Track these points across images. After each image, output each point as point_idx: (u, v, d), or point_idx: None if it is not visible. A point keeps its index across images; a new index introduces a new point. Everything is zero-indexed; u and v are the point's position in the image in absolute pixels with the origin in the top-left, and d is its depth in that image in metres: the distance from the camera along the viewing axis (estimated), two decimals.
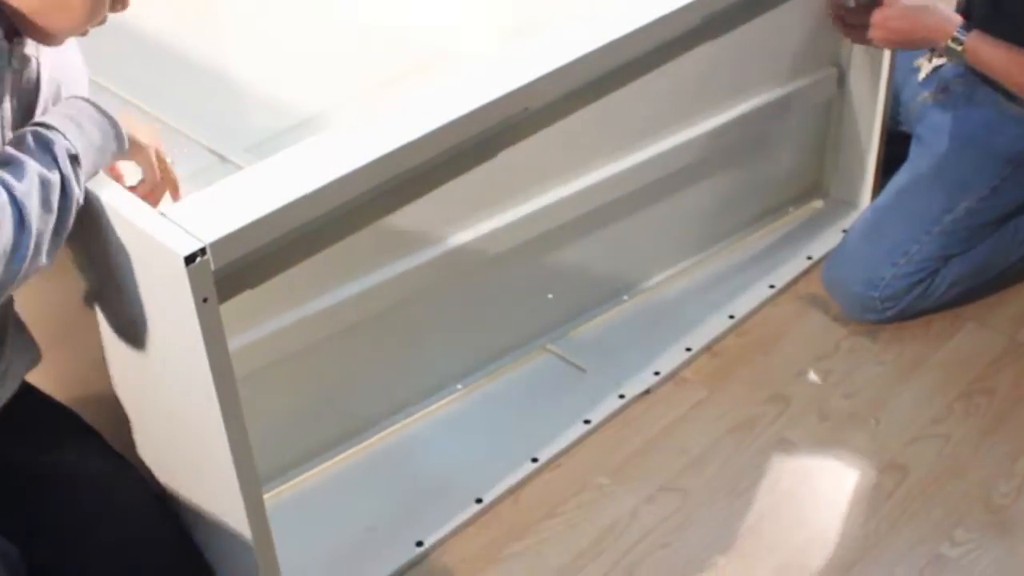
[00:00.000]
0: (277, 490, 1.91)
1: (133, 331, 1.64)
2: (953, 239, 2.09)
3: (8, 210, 1.27)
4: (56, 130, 1.37)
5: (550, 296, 2.13)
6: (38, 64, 1.48)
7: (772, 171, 2.37)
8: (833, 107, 2.36)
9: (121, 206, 1.40)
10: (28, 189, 1.30)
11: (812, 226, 2.38)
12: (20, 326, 1.64)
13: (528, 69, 1.67)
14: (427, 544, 1.82)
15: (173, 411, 1.60)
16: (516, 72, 1.66)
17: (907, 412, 2.01)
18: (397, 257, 1.89)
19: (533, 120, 1.74)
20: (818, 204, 2.44)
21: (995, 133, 2.06)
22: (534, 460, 1.94)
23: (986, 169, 2.07)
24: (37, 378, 1.68)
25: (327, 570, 1.80)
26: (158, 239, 1.38)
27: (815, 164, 2.43)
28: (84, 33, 1.44)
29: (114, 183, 1.47)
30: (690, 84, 2.12)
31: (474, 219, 1.96)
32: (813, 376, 2.09)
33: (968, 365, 2.09)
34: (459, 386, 2.07)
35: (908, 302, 2.11)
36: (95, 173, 1.42)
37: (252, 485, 1.53)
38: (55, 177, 1.33)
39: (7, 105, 1.40)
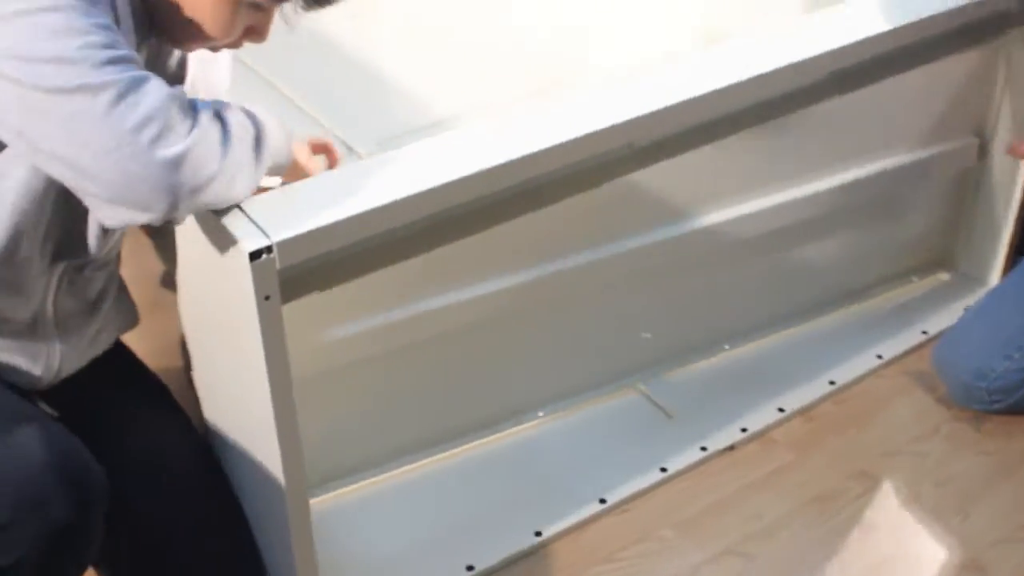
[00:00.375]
0: (342, 491, 1.90)
1: (204, 317, 1.65)
2: None
3: (218, 116, 1.30)
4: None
5: (647, 335, 2.08)
6: (180, 59, 1.51)
7: (899, 237, 2.28)
8: (971, 178, 2.26)
9: None
10: (238, 115, 1.34)
11: (934, 299, 2.28)
12: (123, 287, 1.69)
13: (636, 103, 1.62)
14: (477, 569, 1.78)
15: (232, 403, 1.61)
16: (623, 105, 1.61)
17: (1000, 510, 1.90)
18: (499, 273, 1.87)
19: (639, 156, 1.69)
20: (944, 277, 2.34)
21: None
22: (602, 501, 1.89)
23: None
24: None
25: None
26: (229, 230, 1.37)
27: (946, 235, 2.33)
28: (214, 49, 1.45)
29: None
30: (820, 137, 2.05)
31: (578, 247, 1.92)
32: (906, 458, 1.99)
33: None
34: (540, 413, 2.04)
35: (1019, 397, 2.00)
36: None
37: (298, 487, 1.53)
38: (267, 123, 1.38)
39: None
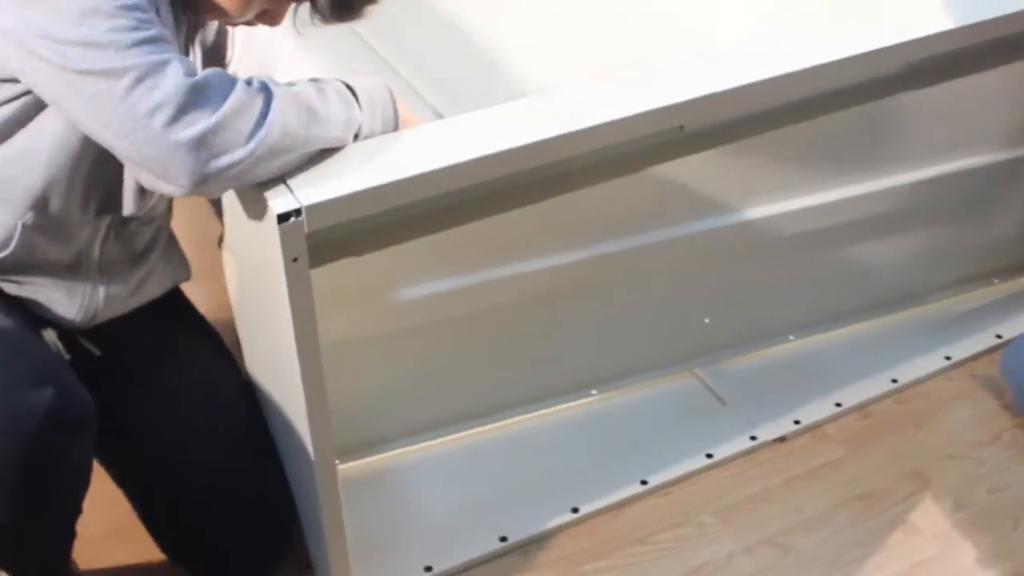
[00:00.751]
0: (386, 455, 1.94)
1: (243, 275, 1.70)
2: None
3: (260, 98, 1.33)
4: (358, 102, 1.45)
5: (707, 320, 2.06)
6: (221, 30, 1.56)
7: (983, 238, 2.22)
8: None
9: None
10: (291, 102, 1.36)
11: (1013, 304, 2.23)
12: (172, 240, 1.76)
13: (692, 85, 1.60)
14: (510, 541, 1.80)
15: (267, 361, 1.65)
16: (677, 86, 1.59)
17: None
18: (559, 249, 1.88)
19: (697, 139, 1.68)
20: None
21: None
22: (643, 482, 1.89)
23: None
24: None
25: (406, 541, 1.81)
26: (262, 192, 1.40)
27: None
28: (244, 23, 1.50)
29: None
30: (901, 131, 2.01)
31: (641, 227, 1.92)
32: (962, 462, 1.95)
33: None
34: (594, 391, 2.04)
35: None
36: None
37: (325, 448, 1.55)
38: (326, 114, 1.40)
39: (192, 55, 1.54)
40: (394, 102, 1.49)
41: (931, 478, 1.92)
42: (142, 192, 1.55)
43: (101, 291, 1.60)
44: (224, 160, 1.31)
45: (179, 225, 1.84)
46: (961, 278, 2.25)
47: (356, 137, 1.46)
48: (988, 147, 2.10)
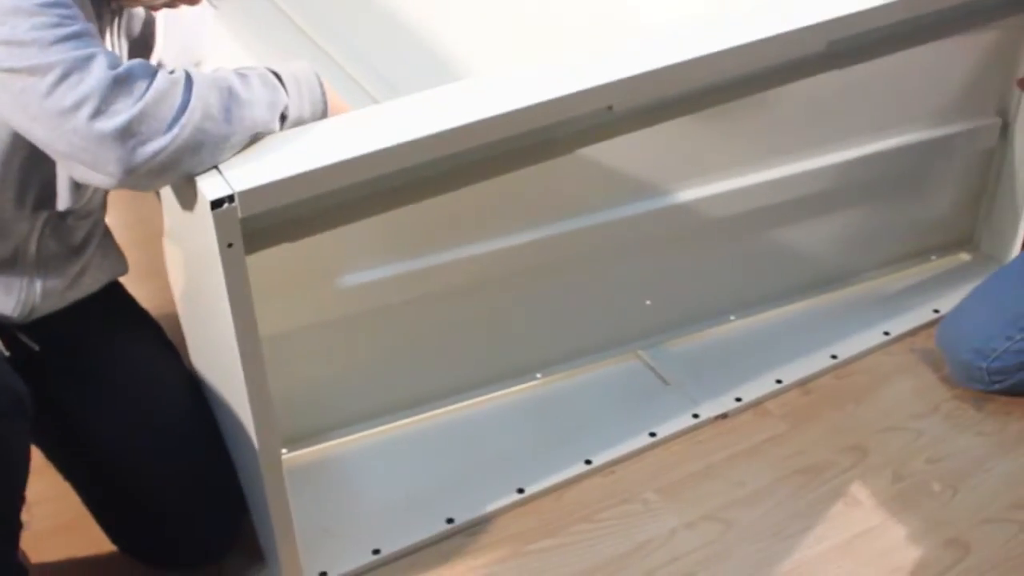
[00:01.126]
0: (333, 443, 1.95)
1: (183, 265, 1.71)
2: None
3: (180, 86, 1.36)
4: (283, 85, 1.47)
5: (648, 303, 2.09)
6: (147, 20, 1.58)
7: (918, 215, 2.26)
8: (994, 159, 2.23)
9: None
10: (211, 87, 1.38)
11: (951, 279, 2.26)
12: (108, 235, 1.77)
13: (621, 65, 1.62)
14: (457, 522, 1.82)
15: (209, 351, 1.66)
16: (606, 67, 1.61)
17: (990, 490, 1.89)
18: (498, 234, 1.89)
19: (620, 121, 1.70)
20: (965, 257, 2.32)
21: None
22: (587, 462, 1.92)
23: None
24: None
25: (354, 525, 1.82)
26: (196, 179, 1.42)
27: (968, 215, 2.30)
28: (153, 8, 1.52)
29: None
30: (835, 109, 2.04)
31: (580, 210, 1.94)
32: (902, 434, 1.98)
33: None
34: (539, 375, 2.07)
35: (1019, 379, 1.98)
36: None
37: (270, 439, 1.58)
38: (248, 97, 1.42)
39: (118, 46, 1.55)
40: (322, 85, 1.51)
41: (871, 450, 1.95)
42: (77, 186, 1.57)
43: (38, 285, 1.62)
44: (150, 148, 1.33)
45: (126, 225, 1.86)
46: (899, 255, 2.29)
47: (284, 120, 1.47)
48: (919, 125, 2.13)
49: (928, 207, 2.26)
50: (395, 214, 1.69)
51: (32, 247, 1.59)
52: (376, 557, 1.78)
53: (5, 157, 1.46)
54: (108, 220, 1.77)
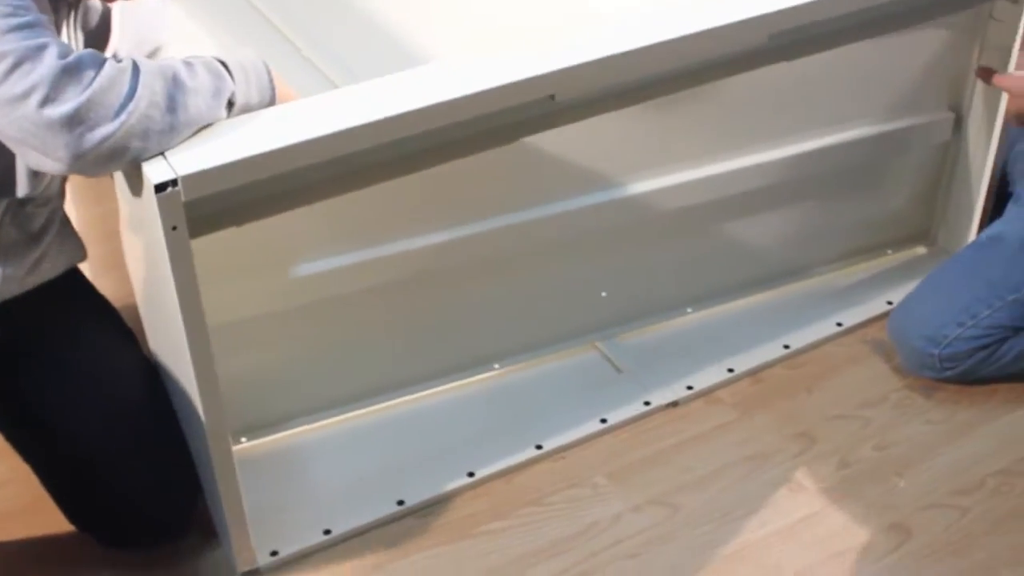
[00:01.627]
0: (289, 432, 1.99)
1: (136, 252, 1.75)
2: None
3: (127, 74, 1.41)
4: (229, 73, 1.52)
5: (603, 294, 2.13)
6: (103, 12, 1.62)
7: (875, 210, 2.29)
8: (948, 154, 2.26)
9: None
10: (157, 75, 1.43)
11: (906, 272, 2.29)
12: (66, 222, 1.80)
13: (563, 54, 1.65)
14: (408, 504, 1.86)
15: (163, 338, 1.70)
16: (547, 58, 1.65)
17: (934, 476, 1.92)
18: (452, 224, 1.94)
19: (565, 111, 1.73)
20: (921, 251, 2.35)
21: None
22: (538, 447, 1.96)
23: None
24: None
25: (306, 507, 1.86)
26: (143, 165, 1.47)
27: (924, 210, 2.34)
28: None
29: None
30: (787, 102, 2.08)
31: (532, 203, 1.98)
32: (850, 422, 2.02)
33: (1019, 443, 1.98)
34: (496, 366, 2.10)
35: (969, 366, 2.01)
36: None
37: (217, 415, 1.61)
38: (194, 84, 1.46)
39: (74, 39, 1.58)
40: (269, 73, 1.56)
41: (819, 438, 1.99)
42: (35, 173, 1.62)
43: None
44: (97, 134, 1.38)
45: (87, 221, 1.90)
46: (855, 249, 2.32)
47: (232, 108, 1.52)
48: (872, 119, 2.17)
49: (883, 201, 2.30)
50: (348, 204, 1.72)
51: None
52: (327, 537, 1.82)
53: None
54: (71, 216, 1.81)
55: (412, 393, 2.05)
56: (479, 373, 2.09)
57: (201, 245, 1.52)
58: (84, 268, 1.87)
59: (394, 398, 2.04)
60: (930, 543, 1.81)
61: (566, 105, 1.70)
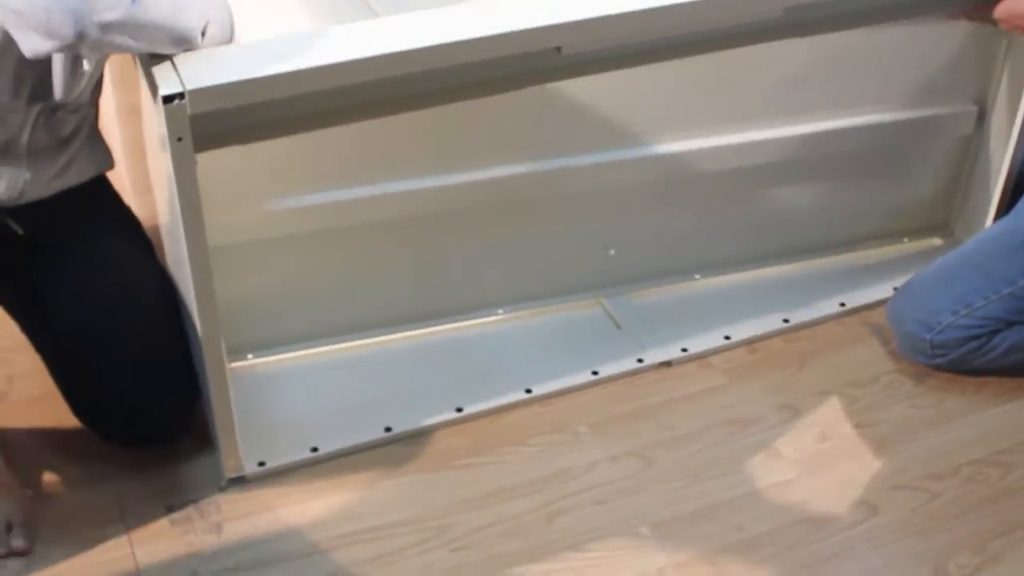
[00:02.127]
0: (290, 355, 2.08)
1: (154, 165, 1.84)
2: (1022, 305, 2.00)
3: None
4: None
5: (611, 252, 2.18)
6: None
7: (893, 197, 2.32)
8: (970, 147, 2.28)
9: None
10: None
11: (918, 261, 2.30)
12: (95, 130, 1.89)
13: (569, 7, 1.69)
14: (394, 431, 1.94)
15: (173, 250, 1.79)
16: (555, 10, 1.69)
17: (911, 459, 1.95)
18: (465, 168, 2.00)
19: (572, 65, 1.78)
20: (937, 242, 2.37)
21: None
22: (528, 391, 2.02)
23: None
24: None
25: (296, 425, 1.95)
26: (154, 76, 1.55)
27: (943, 202, 2.36)
28: None
29: None
30: (816, 79, 2.12)
31: (543, 153, 2.03)
32: (837, 398, 2.06)
33: (1003, 434, 2.00)
34: (500, 311, 2.17)
35: (960, 355, 2.04)
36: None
37: (213, 335, 1.70)
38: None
39: None
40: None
41: (803, 410, 2.03)
42: (72, 76, 1.70)
43: (27, 174, 1.75)
44: (106, 16, 1.43)
45: (129, 139, 1.99)
46: (871, 234, 2.35)
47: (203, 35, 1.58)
48: (896, 104, 2.20)
49: (903, 189, 2.32)
50: (366, 138, 1.81)
51: (24, 138, 1.73)
52: (313, 454, 1.90)
53: (2, 47, 1.59)
54: (112, 134, 1.89)
55: (414, 329, 2.12)
56: (482, 316, 2.15)
57: (210, 168, 1.60)
58: (117, 186, 1.97)
59: (396, 332, 2.11)
60: (894, 522, 1.85)
61: (573, 59, 1.76)
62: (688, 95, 2.06)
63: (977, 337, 2.03)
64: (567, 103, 1.98)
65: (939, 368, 2.08)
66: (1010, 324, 2.01)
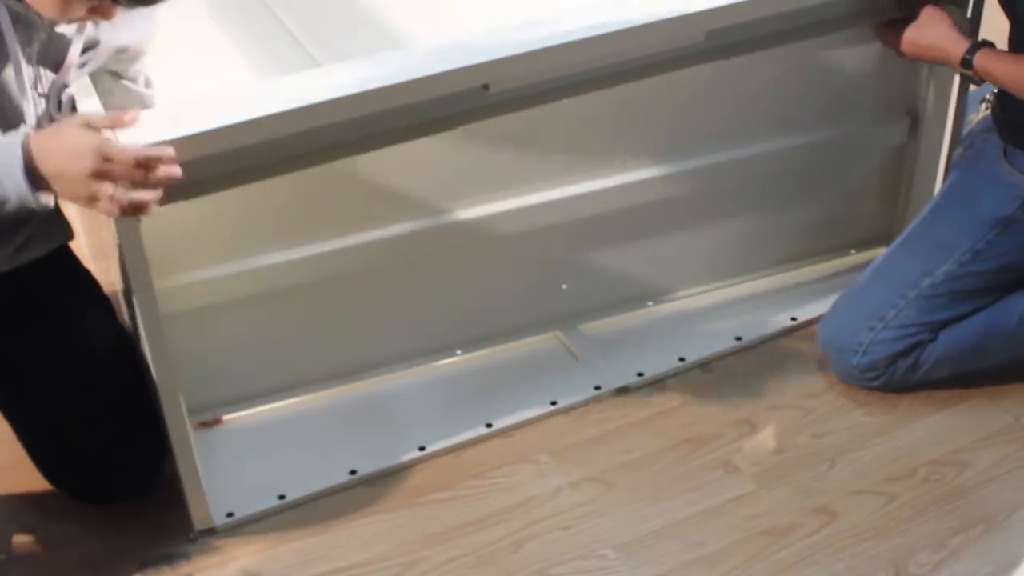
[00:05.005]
0: (259, 408, 2.11)
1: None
2: (932, 304, 2.04)
3: None
4: None
5: (564, 287, 2.22)
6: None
7: (836, 210, 2.37)
8: (907, 155, 2.33)
9: None
10: None
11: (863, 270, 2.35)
12: (57, 209, 1.91)
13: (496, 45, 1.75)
14: (359, 473, 1.98)
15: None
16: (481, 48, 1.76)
17: (867, 464, 1.99)
18: (415, 217, 2.03)
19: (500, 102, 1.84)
20: (883, 251, 2.41)
21: (983, 194, 2.00)
22: (488, 425, 2.06)
23: (969, 231, 2.01)
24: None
25: (263, 474, 1.99)
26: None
27: (885, 211, 2.40)
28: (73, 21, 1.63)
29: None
30: (745, 104, 2.16)
31: (493, 196, 2.08)
32: (791, 411, 2.10)
33: (955, 435, 2.05)
34: (459, 352, 2.20)
35: (892, 375, 2.08)
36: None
37: (172, 390, 1.76)
38: None
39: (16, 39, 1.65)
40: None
41: (758, 424, 2.07)
42: None
43: None
44: None
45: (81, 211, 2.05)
46: (818, 248, 2.40)
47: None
48: (828, 123, 2.25)
49: (844, 202, 2.37)
50: (314, 195, 1.86)
51: None
52: (281, 502, 1.94)
53: None
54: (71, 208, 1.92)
55: (375, 376, 2.15)
56: (444, 358, 2.19)
57: (160, 234, 1.65)
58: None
59: (357, 380, 2.15)
60: (854, 526, 1.89)
61: (501, 96, 1.81)
62: (627, 127, 2.11)
63: (904, 353, 2.05)
64: (501, 145, 2.02)
65: (879, 390, 2.11)
66: (930, 329, 2.05)
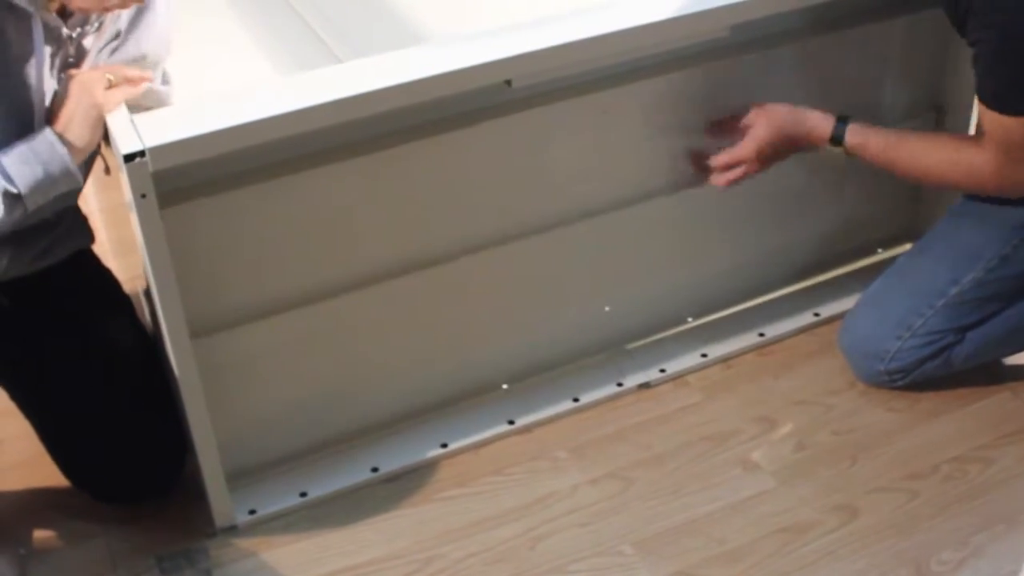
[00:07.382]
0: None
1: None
2: (959, 311, 2.01)
3: None
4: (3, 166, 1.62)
5: (607, 308, 2.18)
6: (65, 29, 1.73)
7: (862, 209, 2.34)
8: None
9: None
10: None
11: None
12: (77, 213, 1.93)
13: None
14: (381, 471, 1.98)
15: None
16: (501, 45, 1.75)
17: (889, 461, 1.98)
18: (465, 242, 2.00)
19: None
20: (909, 247, 2.40)
21: (1006, 201, 1.97)
22: (510, 422, 2.06)
23: (996, 237, 1.98)
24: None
25: (285, 472, 1.99)
26: (115, 137, 1.60)
27: (911, 208, 2.39)
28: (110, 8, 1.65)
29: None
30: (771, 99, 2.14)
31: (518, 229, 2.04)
32: (813, 407, 2.09)
33: (980, 431, 2.03)
34: (504, 386, 2.15)
35: (920, 374, 2.06)
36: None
37: (196, 391, 1.76)
38: None
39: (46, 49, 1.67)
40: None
41: (779, 421, 2.06)
42: None
43: (5, 260, 1.78)
44: None
45: (104, 208, 2.05)
46: (844, 247, 2.37)
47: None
48: (859, 116, 2.22)
49: (871, 201, 2.34)
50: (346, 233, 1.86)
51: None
52: (303, 499, 1.94)
53: None
54: (92, 205, 1.94)
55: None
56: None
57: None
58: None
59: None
60: (875, 523, 1.88)
61: (524, 91, 1.81)
62: (640, 149, 2.07)
63: (932, 356, 2.04)
64: (536, 169, 1.99)
65: (904, 389, 2.10)
66: (960, 332, 2.03)
